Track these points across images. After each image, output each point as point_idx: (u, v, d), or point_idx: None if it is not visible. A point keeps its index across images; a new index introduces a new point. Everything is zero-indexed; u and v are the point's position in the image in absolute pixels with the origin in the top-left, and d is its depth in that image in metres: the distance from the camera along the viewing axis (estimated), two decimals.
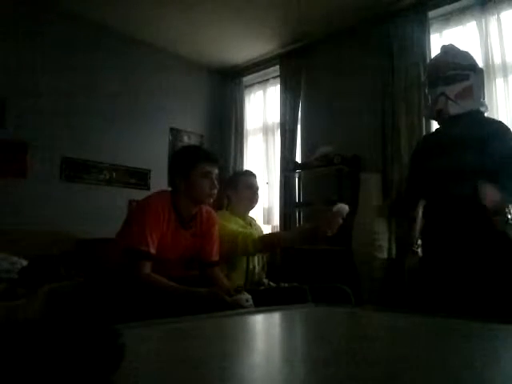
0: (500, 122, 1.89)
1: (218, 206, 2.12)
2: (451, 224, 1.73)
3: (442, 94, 1.79)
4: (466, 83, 1.78)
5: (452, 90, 1.78)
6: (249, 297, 1.53)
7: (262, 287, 2.07)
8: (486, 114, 1.89)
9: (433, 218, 1.86)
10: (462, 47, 1.92)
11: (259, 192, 2.22)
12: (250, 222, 2.21)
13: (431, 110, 1.88)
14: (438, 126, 2.01)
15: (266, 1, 3.64)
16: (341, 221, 1.73)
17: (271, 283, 2.16)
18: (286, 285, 2.13)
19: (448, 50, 1.88)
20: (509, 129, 1.78)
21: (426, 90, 1.94)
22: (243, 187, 2.13)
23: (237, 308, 1.41)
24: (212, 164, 1.73)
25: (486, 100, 1.92)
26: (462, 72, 1.78)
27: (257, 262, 2.10)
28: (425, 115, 2.16)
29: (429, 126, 3.29)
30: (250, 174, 2.23)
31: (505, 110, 3.10)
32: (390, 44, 3.65)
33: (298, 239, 1.93)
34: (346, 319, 1.19)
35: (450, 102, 1.78)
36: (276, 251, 2.10)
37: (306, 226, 1.95)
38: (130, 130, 4.24)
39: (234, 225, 1.99)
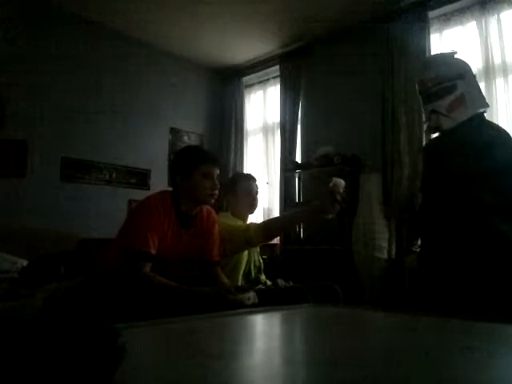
0: (498, 126, 1.89)
1: (219, 209, 2.13)
2: (450, 225, 1.73)
3: (434, 111, 1.81)
4: (455, 94, 1.78)
5: (441, 105, 1.78)
6: (251, 294, 1.53)
7: (260, 285, 2.08)
8: (486, 114, 1.89)
9: (432, 220, 1.86)
10: (445, 53, 1.92)
11: (259, 194, 2.22)
12: None
13: (428, 127, 1.90)
14: None
15: (266, 1, 3.64)
16: (339, 197, 1.70)
17: (268, 281, 2.17)
18: (283, 282, 2.15)
19: (431, 64, 1.89)
20: (508, 134, 1.78)
21: (421, 107, 1.97)
22: (243, 192, 2.11)
23: (239, 306, 1.41)
24: (213, 164, 1.73)
25: (486, 98, 1.92)
26: (448, 84, 1.78)
27: (253, 266, 2.13)
28: (425, 131, 2.20)
29: None
30: (250, 179, 2.19)
31: (505, 110, 3.10)
32: (390, 44, 3.65)
33: (299, 221, 1.91)
34: (344, 319, 1.19)
35: (442, 117, 1.79)
36: (280, 235, 2.11)
37: (307, 207, 1.94)
38: (129, 130, 4.24)
39: (236, 223, 2.00)
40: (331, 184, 1.71)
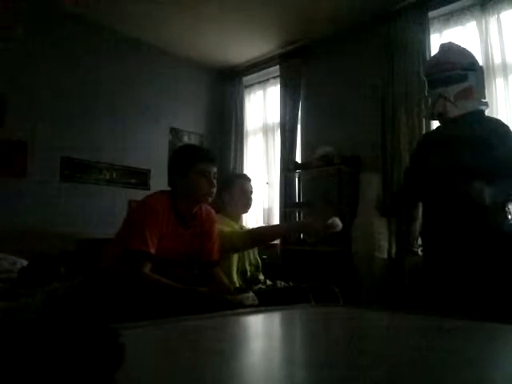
0: (498, 120, 1.89)
1: (216, 209, 2.13)
2: (451, 224, 1.73)
3: (441, 95, 1.79)
4: (465, 84, 1.77)
5: (451, 92, 1.77)
6: (251, 295, 1.53)
7: (259, 285, 2.08)
8: (486, 112, 1.89)
9: (432, 219, 1.86)
10: (461, 45, 1.92)
11: (256, 193, 2.24)
12: (241, 227, 2.24)
13: (431, 112, 1.87)
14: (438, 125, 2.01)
15: (266, 1, 3.64)
16: (329, 233, 1.82)
17: (268, 281, 2.17)
18: (283, 283, 2.15)
19: (447, 49, 1.87)
20: (507, 127, 1.78)
21: (426, 91, 1.94)
22: (238, 192, 2.14)
23: (238, 307, 1.41)
24: (210, 163, 1.73)
25: (487, 99, 1.92)
26: (461, 72, 1.77)
27: (248, 264, 2.13)
28: (425, 116, 2.17)
29: (429, 125, 3.29)
30: (245, 179, 2.23)
31: (505, 110, 3.10)
32: (390, 44, 3.65)
33: (285, 234, 1.98)
34: (344, 319, 1.19)
35: (448, 103, 1.77)
36: (268, 245, 2.19)
37: (297, 223, 2.01)
38: (130, 130, 4.24)
39: (227, 227, 2.00)
40: (330, 222, 1.80)
